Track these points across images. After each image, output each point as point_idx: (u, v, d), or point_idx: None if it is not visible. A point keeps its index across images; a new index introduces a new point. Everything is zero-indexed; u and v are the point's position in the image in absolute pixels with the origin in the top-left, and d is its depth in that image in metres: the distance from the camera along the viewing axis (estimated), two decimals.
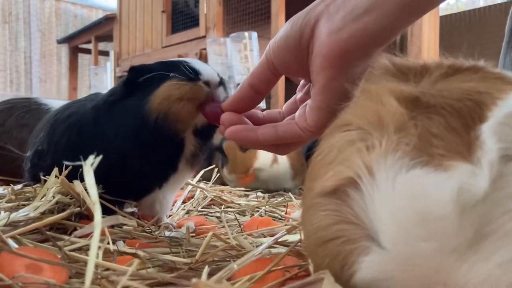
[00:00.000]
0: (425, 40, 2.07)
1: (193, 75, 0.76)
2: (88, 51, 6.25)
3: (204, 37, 3.56)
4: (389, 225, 0.36)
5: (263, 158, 1.63)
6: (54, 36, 7.71)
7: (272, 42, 0.60)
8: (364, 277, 0.38)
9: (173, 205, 1.07)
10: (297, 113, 0.62)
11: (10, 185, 1.13)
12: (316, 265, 0.46)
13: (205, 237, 0.73)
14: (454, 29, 2.84)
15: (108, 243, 0.64)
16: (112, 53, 5.09)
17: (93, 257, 0.36)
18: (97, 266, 0.58)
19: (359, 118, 0.44)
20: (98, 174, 0.76)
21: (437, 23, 2.17)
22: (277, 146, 0.65)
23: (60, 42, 6.72)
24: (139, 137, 0.78)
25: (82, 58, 6.73)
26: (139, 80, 0.79)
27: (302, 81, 0.68)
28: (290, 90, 2.51)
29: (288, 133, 0.61)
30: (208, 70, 0.79)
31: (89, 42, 5.89)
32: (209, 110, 0.75)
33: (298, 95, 0.68)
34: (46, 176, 0.79)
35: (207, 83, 0.77)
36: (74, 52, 6.33)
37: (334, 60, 0.53)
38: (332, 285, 0.41)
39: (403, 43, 2.21)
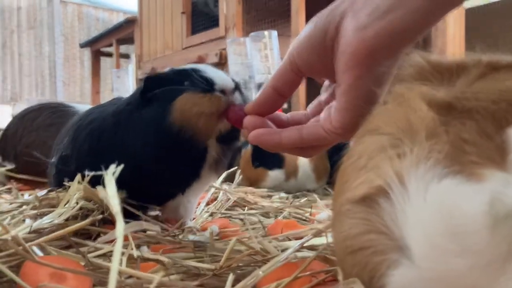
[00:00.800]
0: (450, 34, 2.01)
1: (208, 85, 0.75)
2: (110, 54, 6.32)
3: (224, 37, 3.56)
4: (420, 239, 0.35)
5: (272, 179, 1.61)
6: (77, 40, 7.85)
7: (295, 42, 0.58)
8: None
9: (197, 207, 1.06)
10: (322, 115, 0.61)
11: (35, 189, 1.15)
12: (344, 273, 0.44)
13: (229, 240, 0.72)
14: (480, 22, 2.76)
15: (132, 249, 0.64)
16: (133, 56, 5.14)
17: (115, 268, 0.36)
18: (120, 273, 0.58)
19: (389, 124, 0.42)
20: (122, 179, 0.76)
21: (462, 16, 2.11)
22: (301, 149, 0.63)
23: (82, 46, 6.82)
24: (160, 148, 0.78)
25: (104, 62, 6.82)
26: (155, 91, 0.78)
27: (326, 82, 0.66)
28: (311, 90, 2.49)
29: (313, 136, 0.60)
30: (222, 77, 0.77)
31: (110, 45, 5.96)
32: (233, 114, 0.74)
33: (323, 96, 0.66)
34: (70, 182, 0.79)
35: (223, 91, 0.76)
36: (96, 55, 6.42)
37: (360, 58, 0.52)
38: None
39: (427, 38, 2.16)
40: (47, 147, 1.34)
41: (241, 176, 1.35)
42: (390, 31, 0.50)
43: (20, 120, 1.54)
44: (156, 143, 0.78)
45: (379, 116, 0.46)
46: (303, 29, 0.58)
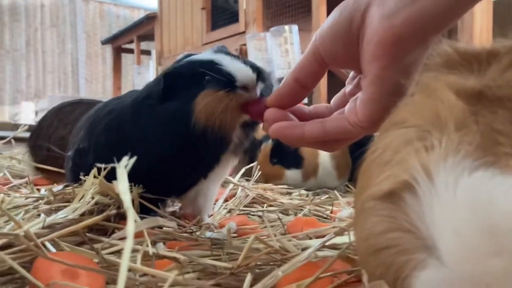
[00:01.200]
0: (477, 27, 1.94)
1: (229, 83, 0.72)
2: (131, 51, 6.37)
3: (244, 32, 3.54)
4: (451, 238, 0.32)
5: (289, 179, 1.58)
6: (98, 38, 7.93)
7: (319, 31, 0.56)
8: None
9: (215, 204, 1.04)
10: (347, 107, 0.58)
11: (54, 184, 1.14)
12: (368, 274, 0.41)
13: (248, 238, 0.70)
14: (509, 15, 2.68)
15: (147, 246, 0.62)
16: (154, 52, 5.16)
17: (125, 267, 0.33)
18: (134, 271, 0.56)
19: (416, 116, 0.40)
20: (140, 172, 0.74)
21: (490, 9, 2.04)
22: (324, 143, 0.61)
23: (104, 42, 6.88)
24: (183, 144, 0.76)
25: (126, 58, 6.87)
26: (175, 85, 0.77)
27: (351, 73, 0.64)
28: (333, 84, 2.45)
29: (337, 129, 0.57)
30: (243, 71, 0.73)
31: (131, 42, 6.00)
32: (253, 107, 0.72)
33: (348, 88, 0.63)
34: (86, 176, 0.78)
35: (245, 87, 0.72)
36: (118, 52, 6.47)
37: (387, 48, 0.49)
38: None
39: (453, 31, 2.09)
40: None
41: (259, 172, 1.33)
42: (418, 18, 0.48)
43: (56, 113, 1.55)
44: (179, 140, 0.76)
45: (405, 108, 0.44)
46: (328, 18, 0.55)
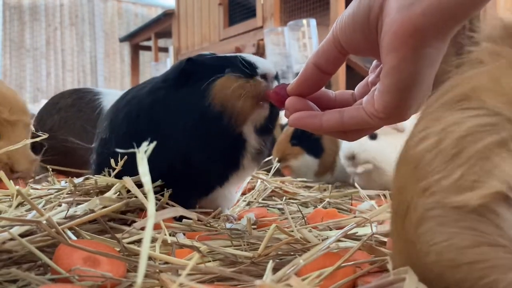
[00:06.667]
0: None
1: (250, 69, 0.76)
2: (148, 48, 6.41)
3: (261, 27, 3.52)
4: None
5: (304, 163, 1.57)
6: (116, 36, 7.99)
7: (339, 19, 0.55)
8: None
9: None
10: (364, 98, 0.57)
11: (74, 177, 1.15)
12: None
13: (268, 229, 0.69)
14: None
15: (166, 235, 0.62)
16: (171, 49, 5.18)
17: (146, 251, 0.33)
18: (155, 259, 0.56)
19: (491, 94, 0.34)
20: (160, 170, 0.74)
21: None
22: (344, 132, 0.60)
23: (122, 40, 6.92)
24: (198, 130, 0.77)
25: (143, 55, 6.91)
26: (195, 72, 0.78)
27: (374, 62, 0.62)
28: (351, 78, 2.42)
29: (354, 119, 0.56)
30: (264, 63, 0.78)
31: (149, 39, 6.03)
32: (274, 94, 0.72)
33: (370, 76, 0.62)
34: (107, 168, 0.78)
35: (264, 76, 0.76)
36: (135, 49, 6.51)
37: (405, 38, 0.47)
38: (416, 284, 0.36)
39: (473, 21, 2.03)
40: (69, 126, 1.42)
41: (277, 166, 1.31)
42: (438, 8, 0.46)
43: (44, 107, 1.62)
44: (196, 124, 0.77)
45: (469, 79, 0.37)
46: (348, 6, 0.54)
